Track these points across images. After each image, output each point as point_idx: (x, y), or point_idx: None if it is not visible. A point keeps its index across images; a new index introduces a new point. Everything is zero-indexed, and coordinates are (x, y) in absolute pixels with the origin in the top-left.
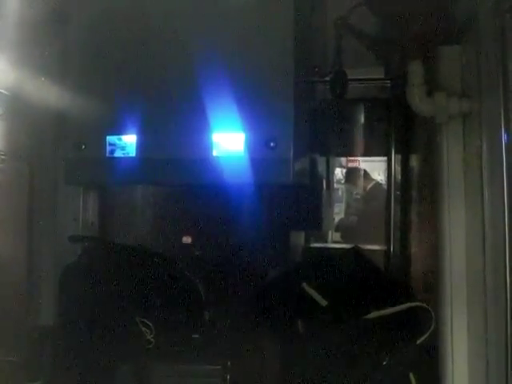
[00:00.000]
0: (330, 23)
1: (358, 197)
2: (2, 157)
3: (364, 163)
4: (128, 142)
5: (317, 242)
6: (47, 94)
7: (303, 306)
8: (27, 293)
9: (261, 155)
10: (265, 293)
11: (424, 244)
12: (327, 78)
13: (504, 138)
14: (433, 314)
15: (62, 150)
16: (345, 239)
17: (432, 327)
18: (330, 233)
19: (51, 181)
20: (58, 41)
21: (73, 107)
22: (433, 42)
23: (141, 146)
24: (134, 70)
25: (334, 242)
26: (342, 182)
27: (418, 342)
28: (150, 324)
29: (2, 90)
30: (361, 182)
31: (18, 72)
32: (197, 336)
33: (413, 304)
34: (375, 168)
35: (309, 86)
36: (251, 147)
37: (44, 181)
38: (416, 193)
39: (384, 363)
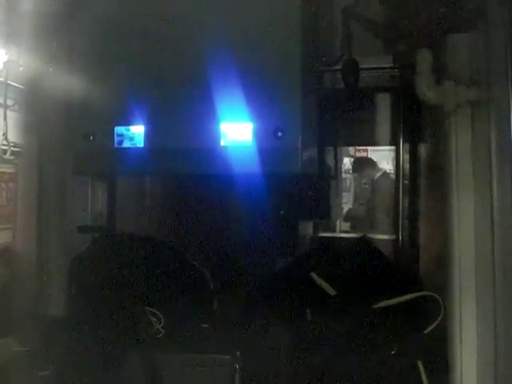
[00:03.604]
0: (337, 11)
1: (367, 186)
2: (12, 148)
3: (372, 152)
4: (136, 133)
5: (325, 231)
6: (56, 85)
7: (312, 296)
8: (37, 283)
9: (269, 145)
10: (273, 282)
11: (433, 233)
12: (335, 67)
13: None
14: (441, 302)
15: (71, 141)
16: (353, 228)
17: (441, 316)
18: (338, 222)
19: (60, 171)
20: (67, 32)
21: (81, 98)
22: (441, 30)
23: (149, 136)
24: (142, 61)
25: (342, 231)
26: (351, 171)
27: (427, 330)
28: (159, 314)
29: (12, 82)
30: (369, 171)
31: (28, 64)
32: (206, 325)
33: (421, 293)
34: (383, 157)
35: (316, 75)
36: (259, 137)
37: (53, 171)
38: (424, 182)
39: (393, 352)
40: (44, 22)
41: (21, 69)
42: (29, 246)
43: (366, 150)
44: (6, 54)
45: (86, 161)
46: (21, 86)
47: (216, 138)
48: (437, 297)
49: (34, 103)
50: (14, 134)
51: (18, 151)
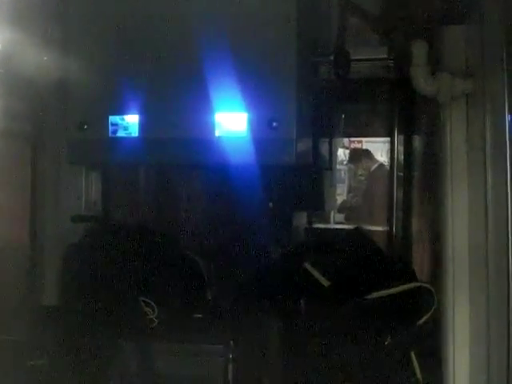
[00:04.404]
0: (333, 2)
1: (362, 178)
2: (4, 137)
3: (367, 144)
4: (130, 122)
5: (319, 222)
6: (50, 73)
7: (306, 286)
8: (31, 272)
9: (263, 135)
10: (267, 273)
11: (426, 225)
12: (330, 58)
13: (508, 118)
14: (435, 294)
15: (65, 130)
16: (347, 220)
17: (434, 307)
18: (332, 213)
19: (54, 161)
20: (62, 20)
21: (75, 87)
22: (436, 21)
23: (143, 125)
24: (136, 50)
25: (336, 222)
26: (345, 162)
27: (420, 322)
28: (153, 304)
29: (1, 70)
30: (364, 163)
31: (20, 51)
32: (199, 315)
33: (415, 284)
34: (378, 149)
35: (312, 65)
36: (254, 127)
37: (47, 161)
38: (419, 174)
39: (386, 343)
40: (38, 9)
41: (13, 57)
42: (22, 235)
43: (361, 142)
44: None
45: (80, 150)
46: (13, 74)
47: (210, 128)
48: (430, 288)
49: (27, 92)
50: (6, 123)
51: (10, 140)
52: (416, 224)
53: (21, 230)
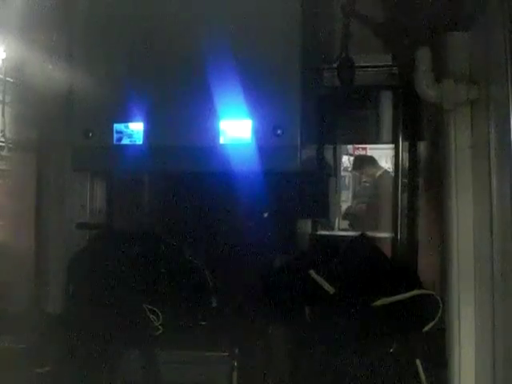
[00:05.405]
0: (337, 9)
1: (366, 185)
2: (10, 145)
3: (371, 151)
4: (135, 130)
5: (324, 229)
6: (54, 82)
7: (310, 294)
8: (36, 280)
9: (268, 142)
10: (272, 280)
11: (431, 231)
12: (334, 65)
13: None
14: (440, 301)
15: (70, 138)
16: (352, 227)
17: (439, 314)
18: (337, 220)
19: (59, 168)
20: (67, 29)
21: (80, 95)
22: (441, 28)
23: (148, 133)
24: (141, 58)
25: (341, 229)
26: (349, 169)
27: (425, 329)
28: (158, 311)
29: (9, 79)
30: (368, 169)
31: (26, 60)
32: (204, 323)
33: (420, 291)
34: (382, 155)
35: (316, 73)
36: (258, 134)
37: (52, 168)
38: (424, 180)
39: (391, 350)
40: (43, 19)
41: (19, 65)
42: (27, 242)
43: (365, 149)
44: (4, 51)
45: (85, 157)
46: (19, 83)
47: (215, 135)
48: (435, 295)
49: (33, 100)
50: (12, 131)
51: (16, 148)
52: (421, 230)
53: (26, 237)
